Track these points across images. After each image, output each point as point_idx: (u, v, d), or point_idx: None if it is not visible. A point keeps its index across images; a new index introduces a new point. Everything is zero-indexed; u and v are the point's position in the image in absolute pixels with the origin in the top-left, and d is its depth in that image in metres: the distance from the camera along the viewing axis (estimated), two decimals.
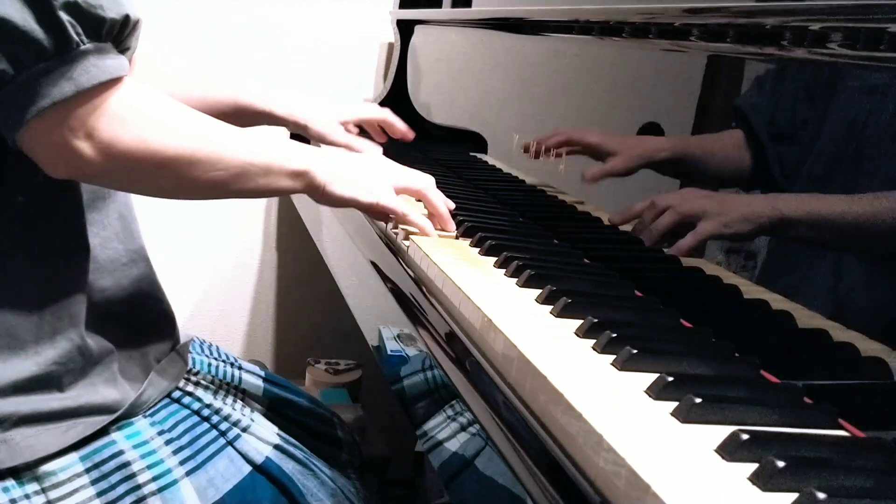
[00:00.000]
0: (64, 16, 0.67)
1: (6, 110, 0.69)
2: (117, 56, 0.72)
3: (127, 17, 0.71)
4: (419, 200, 0.97)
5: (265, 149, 0.83)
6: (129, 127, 0.73)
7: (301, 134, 1.19)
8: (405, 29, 1.75)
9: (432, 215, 0.94)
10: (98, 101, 0.71)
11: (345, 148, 1.15)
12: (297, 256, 1.95)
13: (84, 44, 0.69)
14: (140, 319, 0.87)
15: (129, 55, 0.75)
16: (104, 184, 0.80)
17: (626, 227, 0.91)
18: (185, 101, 1.04)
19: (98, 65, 0.70)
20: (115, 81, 0.72)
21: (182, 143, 0.76)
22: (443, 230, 0.94)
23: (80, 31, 0.68)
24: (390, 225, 0.97)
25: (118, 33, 0.72)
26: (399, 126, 1.27)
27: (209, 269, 1.92)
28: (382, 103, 1.74)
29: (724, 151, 0.79)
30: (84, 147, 0.71)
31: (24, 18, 0.66)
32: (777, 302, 0.68)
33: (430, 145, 1.54)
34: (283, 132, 1.28)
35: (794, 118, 0.71)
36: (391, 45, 1.84)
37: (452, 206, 0.97)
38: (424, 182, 0.94)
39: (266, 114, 1.14)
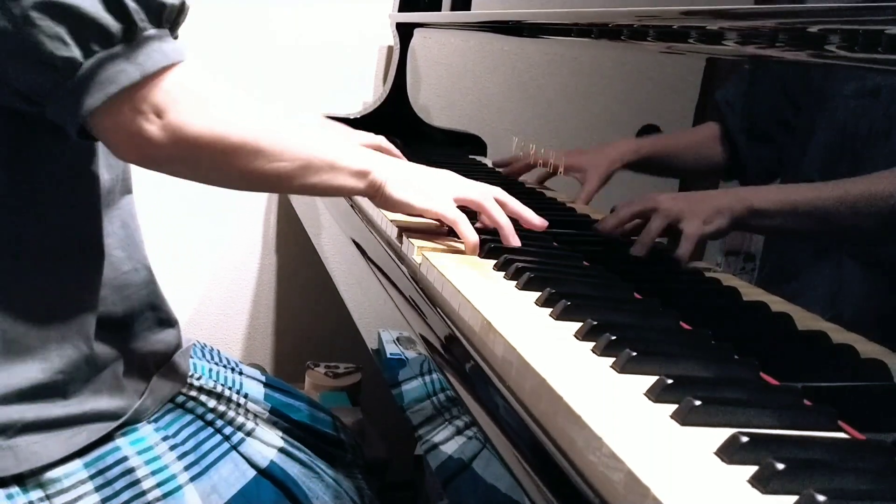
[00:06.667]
0: (130, 3, 0.69)
1: (75, 97, 0.70)
2: (175, 41, 0.74)
3: (183, 3, 0.73)
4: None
5: (329, 145, 0.84)
6: (196, 111, 0.74)
7: None
8: (405, 32, 1.75)
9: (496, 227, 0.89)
10: (164, 85, 0.72)
11: None
12: (296, 259, 1.95)
13: (147, 30, 0.71)
14: (142, 327, 0.87)
15: None
16: (171, 171, 0.80)
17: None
18: None
19: (161, 50, 0.71)
20: (175, 65, 0.73)
21: (246, 130, 0.77)
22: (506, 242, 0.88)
23: (143, 17, 0.70)
24: (393, 230, 0.97)
25: (175, 19, 0.74)
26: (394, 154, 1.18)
27: (209, 273, 1.92)
28: (382, 106, 1.74)
29: (697, 146, 0.80)
30: (154, 130, 0.72)
31: (93, 5, 0.68)
32: (776, 304, 0.68)
33: (430, 148, 1.54)
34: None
35: (772, 117, 0.72)
36: (391, 49, 1.84)
37: (542, 223, 0.91)
38: (483, 194, 0.90)
39: None
